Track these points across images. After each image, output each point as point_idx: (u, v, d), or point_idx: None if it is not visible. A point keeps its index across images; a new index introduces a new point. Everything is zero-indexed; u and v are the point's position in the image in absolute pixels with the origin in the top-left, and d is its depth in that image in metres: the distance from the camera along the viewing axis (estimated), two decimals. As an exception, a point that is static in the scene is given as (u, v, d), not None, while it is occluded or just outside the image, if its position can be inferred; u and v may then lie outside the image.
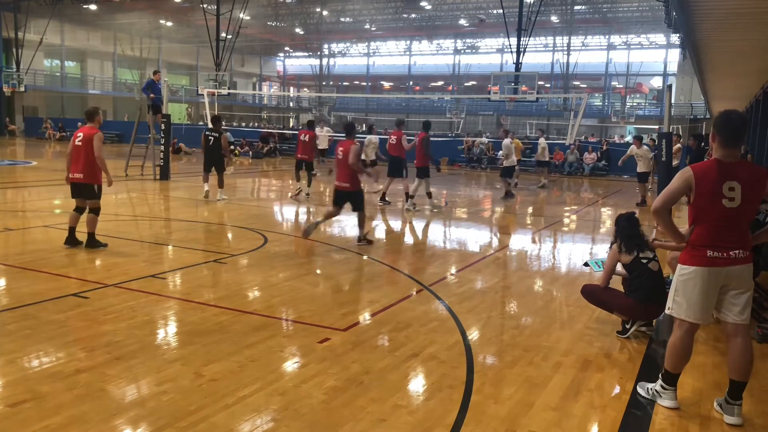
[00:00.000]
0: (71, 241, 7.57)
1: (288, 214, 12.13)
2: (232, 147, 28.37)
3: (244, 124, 41.88)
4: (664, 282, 5.25)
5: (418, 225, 11.29)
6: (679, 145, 16.40)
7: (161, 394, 3.71)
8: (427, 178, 12.55)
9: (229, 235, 9.31)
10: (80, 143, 7.44)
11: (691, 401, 3.99)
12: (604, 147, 26.21)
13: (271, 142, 30.02)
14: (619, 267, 5.33)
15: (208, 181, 12.98)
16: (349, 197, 8.61)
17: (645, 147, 15.01)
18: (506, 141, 15.98)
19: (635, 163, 22.13)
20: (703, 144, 15.95)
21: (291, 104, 60.92)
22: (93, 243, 7.56)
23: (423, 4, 46.34)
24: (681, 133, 24.04)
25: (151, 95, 16.09)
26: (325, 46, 60.22)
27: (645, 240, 5.21)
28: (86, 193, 7.54)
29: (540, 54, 47.48)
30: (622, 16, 46.51)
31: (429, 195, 12.68)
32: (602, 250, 8.92)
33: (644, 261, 5.08)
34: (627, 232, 5.18)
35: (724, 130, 3.65)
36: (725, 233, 3.64)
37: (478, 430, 3.48)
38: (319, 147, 18.06)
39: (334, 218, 9.05)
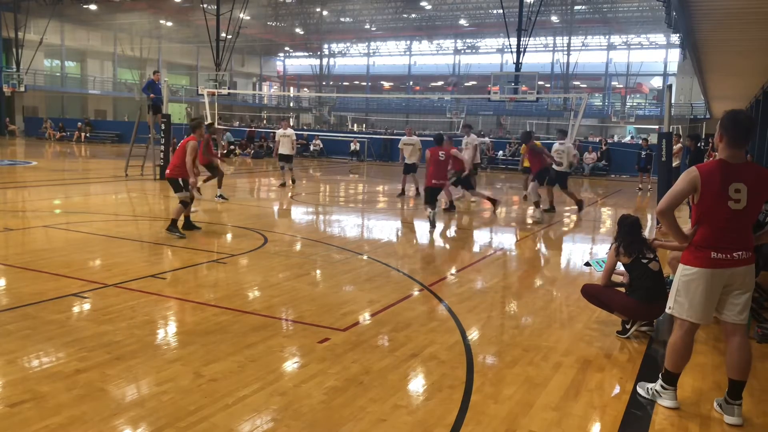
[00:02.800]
0: (186, 226, 8.89)
1: (288, 214, 12.12)
2: (232, 147, 28.41)
3: (245, 124, 41.90)
4: (665, 282, 5.25)
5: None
6: (679, 145, 16.38)
7: (161, 394, 3.71)
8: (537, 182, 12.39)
9: (229, 235, 9.31)
10: (178, 147, 8.84)
11: (691, 401, 3.99)
12: (604, 147, 26.24)
13: (256, 141, 30.29)
14: (619, 268, 5.34)
15: None
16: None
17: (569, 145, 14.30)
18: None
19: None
20: (701, 145, 15.93)
21: (291, 104, 60.94)
22: (172, 229, 8.44)
23: (423, 4, 46.42)
24: (681, 133, 24.03)
25: (151, 95, 16.09)
26: (325, 46, 60.27)
27: (646, 243, 5.20)
28: (174, 186, 8.74)
29: (540, 54, 47.53)
30: (622, 16, 46.57)
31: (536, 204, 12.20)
32: (602, 250, 8.92)
33: (644, 261, 5.08)
34: (629, 238, 5.17)
35: (732, 130, 3.59)
36: (729, 234, 3.62)
37: (478, 430, 3.48)
38: (280, 152, 15.83)
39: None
